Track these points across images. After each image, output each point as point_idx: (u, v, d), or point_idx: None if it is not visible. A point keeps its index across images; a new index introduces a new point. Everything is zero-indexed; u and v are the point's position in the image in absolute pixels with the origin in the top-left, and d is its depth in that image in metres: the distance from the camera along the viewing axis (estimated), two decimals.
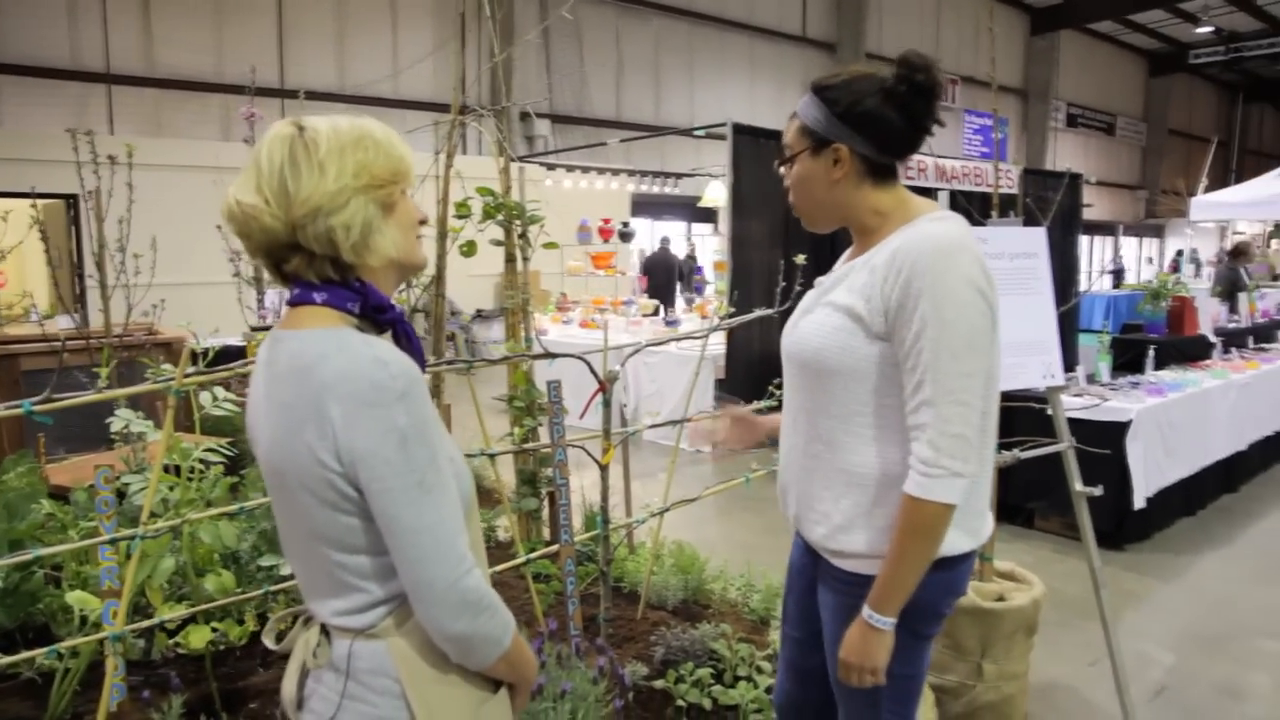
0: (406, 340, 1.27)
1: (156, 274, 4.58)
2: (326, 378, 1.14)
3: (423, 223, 1.32)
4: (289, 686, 1.30)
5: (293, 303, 1.23)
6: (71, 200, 10.18)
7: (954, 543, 1.67)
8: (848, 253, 1.85)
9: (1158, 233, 30.13)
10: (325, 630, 1.26)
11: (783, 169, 1.79)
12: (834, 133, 1.68)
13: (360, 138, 1.21)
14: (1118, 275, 22.23)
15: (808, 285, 1.93)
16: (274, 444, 1.20)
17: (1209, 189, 16.54)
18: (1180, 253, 26.60)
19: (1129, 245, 30.04)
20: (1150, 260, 28.29)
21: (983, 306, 1.57)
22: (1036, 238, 2.75)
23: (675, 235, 17.13)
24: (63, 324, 6.06)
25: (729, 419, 2.18)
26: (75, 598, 2.30)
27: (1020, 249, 2.70)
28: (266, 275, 6.25)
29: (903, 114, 1.67)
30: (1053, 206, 3.42)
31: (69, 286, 9.33)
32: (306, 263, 1.21)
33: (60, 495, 3.31)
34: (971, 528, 1.72)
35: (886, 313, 1.60)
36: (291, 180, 1.16)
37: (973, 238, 1.62)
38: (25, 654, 2.09)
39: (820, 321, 1.71)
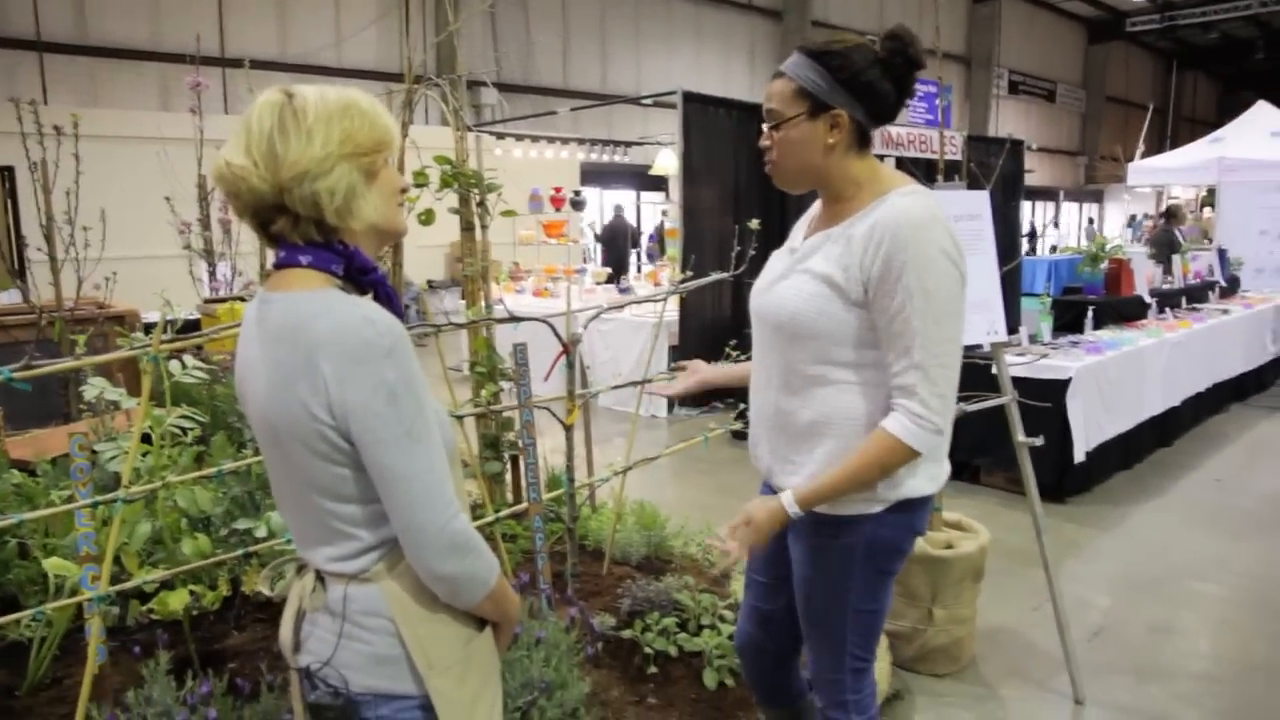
0: (387, 301, 1.33)
1: (102, 247, 4.53)
2: (318, 336, 1.20)
3: (404, 191, 1.37)
4: (286, 631, 1.37)
5: (279, 265, 1.29)
6: (7, 173, 9.89)
7: (917, 486, 1.82)
8: (813, 218, 1.93)
9: (1097, 198, 30.80)
10: (320, 576, 1.33)
11: (772, 129, 1.81)
12: (835, 98, 1.74)
13: (347, 107, 1.26)
14: (1030, 239, 22.73)
15: (761, 249, 2.02)
16: (268, 400, 1.25)
17: (1145, 155, 16.92)
18: (1092, 220, 27.35)
19: (1069, 210, 30.68)
20: (1055, 225, 28.56)
21: (957, 275, 1.70)
22: (980, 200, 2.88)
23: (625, 203, 17.15)
24: (4, 299, 5.94)
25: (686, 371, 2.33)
26: (52, 564, 2.31)
27: (965, 211, 2.82)
28: (217, 248, 6.17)
29: (894, 85, 1.76)
30: (994, 172, 3.54)
31: (9, 261, 9.09)
32: (291, 224, 1.26)
33: (20, 468, 3.30)
34: (932, 474, 1.86)
35: (865, 283, 1.70)
36: (280, 145, 1.21)
37: (941, 209, 1.73)
38: (10, 616, 2.11)
39: (798, 287, 1.80)
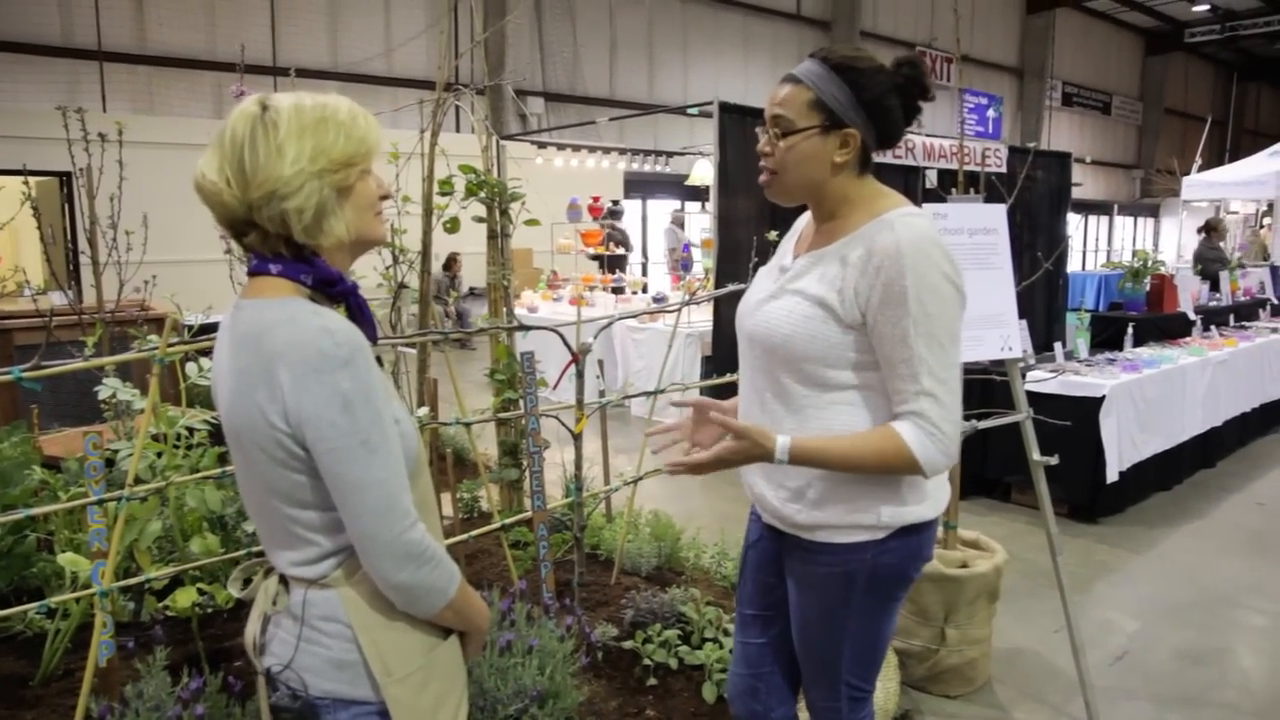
0: (359, 312, 1.34)
1: (150, 251, 4.63)
2: (277, 345, 1.22)
3: (384, 198, 1.37)
4: (252, 631, 1.39)
5: (252, 273, 1.31)
6: (65, 178, 10.23)
7: (921, 512, 1.78)
8: (801, 233, 1.89)
9: (1153, 212, 30.15)
10: (283, 579, 1.35)
11: (776, 136, 1.72)
12: (852, 117, 1.69)
13: (322, 119, 1.26)
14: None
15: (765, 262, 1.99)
16: (231, 405, 1.28)
17: (1204, 168, 16.52)
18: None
19: (1124, 225, 30.07)
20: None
21: (958, 298, 1.66)
22: (996, 214, 2.83)
23: (666, 213, 17.17)
24: (56, 300, 6.13)
25: (695, 416, 1.96)
26: (66, 559, 2.39)
27: (980, 225, 2.78)
28: None
29: (905, 112, 1.73)
30: (1017, 183, 3.50)
31: (63, 264, 9.40)
32: (262, 239, 1.28)
33: (53, 465, 3.40)
34: (935, 498, 1.81)
35: (863, 307, 1.65)
36: (249, 161, 1.22)
37: (938, 231, 1.69)
38: (16, 609, 2.19)
39: (790, 309, 1.73)
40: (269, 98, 1.28)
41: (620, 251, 11.11)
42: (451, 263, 12.16)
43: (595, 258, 11.22)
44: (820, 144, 1.69)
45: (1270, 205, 14.72)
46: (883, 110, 1.70)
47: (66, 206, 10.60)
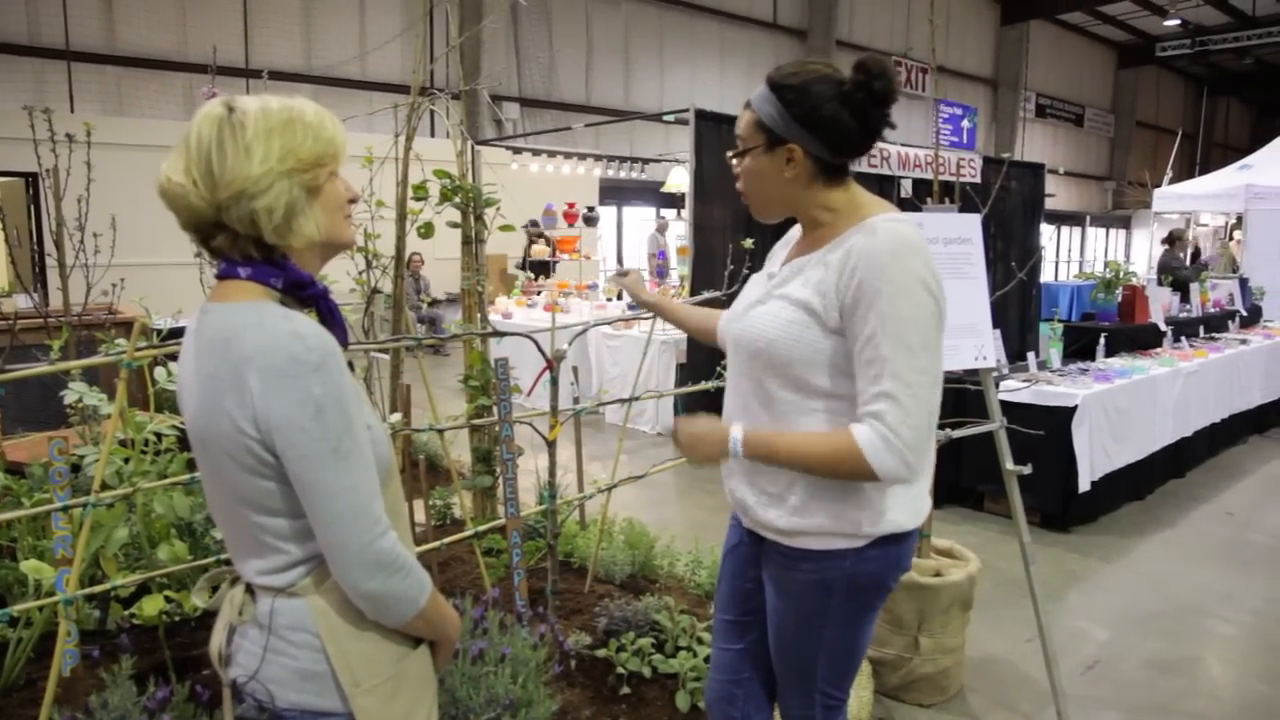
0: (330, 316, 1.32)
1: (119, 254, 4.58)
2: (246, 350, 1.19)
3: (353, 201, 1.36)
4: (217, 641, 1.36)
5: (220, 276, 1.28)
6: (31, 179, 10.07)
7: (901, 521, 1.77)
8: (793, 243, 1.89)
9: (1124, 224, 30.54)
10: (250, 588, 1.33)
11: (734, 159, 1.81)
12: (789, 133, 1.70)
13: (289, 120, 1.24)
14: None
15: (755, 269, 1.99)
16: (198, 411, 1.25)
17: (1174, 181, 16.75)
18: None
19: (1096, 236, 30.45)
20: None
21: (933, 306, 1.63)
22: (971, 223, 2.85)
23: (642, 220, 17.21)
24: (21, 303, 6.03)
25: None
26: (30, 566, 2.34)
27: (955, 234, 2.80)
28: None
29: (857, 119, 1.70)
30: (992, 193, 3.52)
31: (28, 266, 9.23)
32: (231, 241, 1.25)
33: (17, 471, 3.34)
34: (916, 508, 1.81)
35: (841, 308, 1.65)
36: (217, 162, 1.20)
37: (922, 238, 1.68)
38: None
39: (774, 313, 1.75)
40: (234, 99, 1.26)
41: (546, 258, 10.94)
42: (409, 262, 12.03)
43: (521, 265, 11.11)
44: (767, 162, 1.75)
45: (1239, 218, 14.93)
46: (819, 121, 1.68)
47: (32, 208, 10.43)
